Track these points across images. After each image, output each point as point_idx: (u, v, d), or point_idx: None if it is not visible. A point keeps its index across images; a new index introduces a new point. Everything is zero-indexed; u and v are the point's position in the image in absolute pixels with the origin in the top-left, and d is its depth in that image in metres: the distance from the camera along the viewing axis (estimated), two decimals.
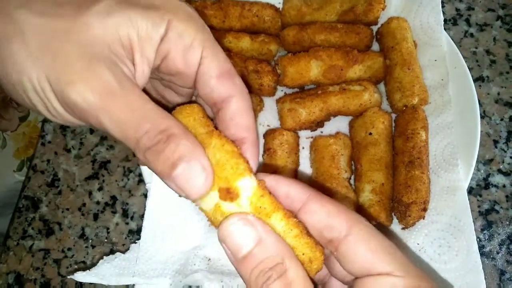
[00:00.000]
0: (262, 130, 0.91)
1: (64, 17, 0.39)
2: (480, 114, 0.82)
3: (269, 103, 0.92)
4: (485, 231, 0.85)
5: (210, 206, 0.40)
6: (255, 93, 0.90)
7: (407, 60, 0.85)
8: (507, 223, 0.85)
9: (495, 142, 0.90)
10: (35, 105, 0.40)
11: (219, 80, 0.45)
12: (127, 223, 0.93)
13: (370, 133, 0.82)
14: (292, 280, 0.38)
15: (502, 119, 0.92)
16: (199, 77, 0.46)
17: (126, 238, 0.91)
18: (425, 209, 0.76)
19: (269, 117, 0.92)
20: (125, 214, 0.93)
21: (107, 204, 0.94)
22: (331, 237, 0.41)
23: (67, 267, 0.91)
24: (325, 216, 0.41)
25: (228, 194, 0.39)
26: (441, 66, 0.87)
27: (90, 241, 0.92)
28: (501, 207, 0.86)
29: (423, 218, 0.77)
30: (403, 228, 0.78)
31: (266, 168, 0.83)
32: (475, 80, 0.85)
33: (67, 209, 0.95)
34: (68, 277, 0.74)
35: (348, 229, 0.40)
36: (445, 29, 0.88)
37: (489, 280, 0.81)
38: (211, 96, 0.46)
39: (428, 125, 0.83)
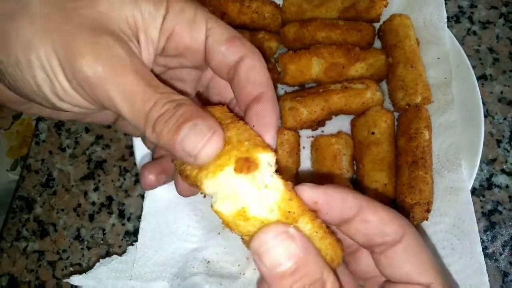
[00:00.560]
0: None
1: None
2: (483, 113, 0.81)
3: None
4: (488, 232, 0.84)
5: (229, 208, 0.36)
6: None
7: (410, 58, 0.84)
8: (510, 224, 0.84)
9: (498, 141, 0.89)
10: (40, 86, 0.39)
11: (228, 44, 0.45)
12: (123, 224, 0.91)
13: (373, 133, 0.81)
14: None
15: (505, 118, 0.90)
16: (208, 47, 0.46)
17: (122, 239, 0.89)
18: (428, 210, 0.75)
19: None
20: (121, 215, 0.91)
21: (103, 204, 0.92)
22: (381, 242, 0.40)
23: (62, 269, 0.89)
24: (378, 223, 0.40)
25: (245, 163, 0.36)
26: (444, 65, 0.86)
27: (86, 242, 0.90)
28: (504, 208, 0.85)
29: (427, 219, 0.76)
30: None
31: None
32: (478, 79, 0.83)
33: (62, 210, 0.93)
34: (64, 280, 0.71)
35: (399, 236, 0.40)
36: (447, 26, 0.86)
37: (492, 281, 0.80)
38: (224, 63, 0.46)
39: (431, 125, 0.81)
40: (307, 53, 0.85)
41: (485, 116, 0.89)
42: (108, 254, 0.88)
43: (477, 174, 0.79)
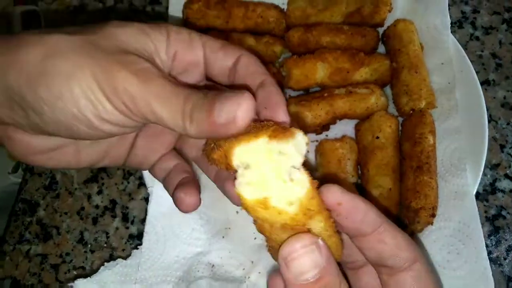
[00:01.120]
0: None
1: (89, 33, 0.44)
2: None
3: None
4: (492, 237, 0.84)
5: (252, 194, 0.37)
6: None
7: (414, 63, 0.84)
8: None
9: (502, 146, 0.89)
10: (83, 112, 0.42)
11: (223, 50, 0.51)
12: (127, 228, 0.90)
13: (377, 137, 0.81)
14: None
15: (508, 123, 0.91)
16: (207, 58, 0.51)
17: (126, 243, 0.89)
18: (433, 215, 0.75)
19: None
20: (125, 218, 0.91)
21: (106, 208, 0.92)
22: (392, 265, 0.42)
23: (65, 273, 0.88)
24: (394, 247, 0.42)
25: (282, 130, 0.37)
26: (448, 70, 0.86)
27: (89, 246, 0.90)
28: (508, 213, 0.85)
29: (432, 224, 0.76)
30: (411, 234, 0.77)
31: None
32: (481, 84, 0.83)
33: (65, 213, 0.92)
34: (68, 284, 0.71)
35: (411, 262, 0.42)
36: (450, 32, 0.87)
37: (496, 286, 0.79)
38: (224, 67, 0.51)
39: (435, 130, 0.81)
40: (312, 58, 0.85)
41: (489, 121, 0.89)
42: (111, 257, 0.88)
43: (481, 179, 0.79)
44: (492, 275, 0.70)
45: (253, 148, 0.37)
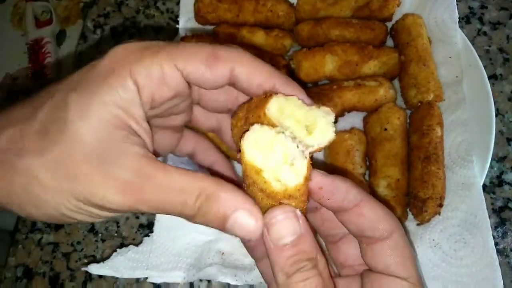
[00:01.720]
0: None
1: (53, 145, 0.39)
2: None
3: None
4: (498, 229, 0.85)
5: (255, 158, 0.39)
6: None
7: (422, 57, 0.85)
8: None
9: (509, 140, 0.90)
10: (80, 221, 0.43)
11: (208, 65, 0.42)
12: (137, 217, 0.92)
13: (386, 129, 0.82)
14: (321, 271, 0.42)
15: None
16: (195, 81, 0.43)
17: (136, 232, 0.90)
18: (441, 205, 0.76)
19: None
20: None
21: None
22: (371, 235, 0.44)
23: (76, 261, 0.90)
24: (372, 219, 0.44)
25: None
26: (456, 63, 0.87)
27: (100, 235, 0.91)
28: None
29: (439, 214, 0.77)
30: (418, 224, 0.78)
31: None
32: (488, 78, 0.84)
33: None
34: (82, 268, 0.73)
35: (389, 233, 0.44)
36: (458, 27, 0.88)
37: (503, 277, 0.80)
38: (213, 83, 0.43)
39: (443, 122, 0.82)
40: (321, 51, 0.87)
41: (496, 115, 0.89)
42: (122, 246, 0.88)
43: (487, 171, 0.80)
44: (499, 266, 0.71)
45: (289, 104, 0.39)
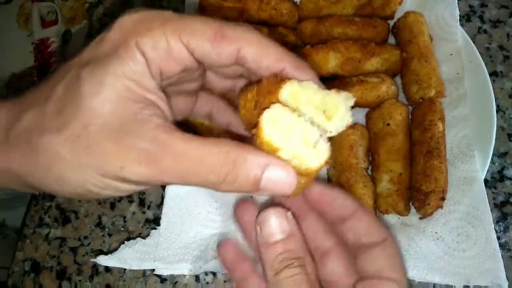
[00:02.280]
0: None
1: (68, 125, 0.39)
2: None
3: None
4: (500, 223, 0.86)
5: (272, 136, 0.38)
6: None
7: (424, 53, 0.87)
8: None
9: (510, 135, 0.91)
10: (106, 195, 0.43)
11: (213, 43, 0.41)
12: (144, 212, 0.93)
13: (388, 124, 0.83)
14: (309, 273, 0.46)
15: None
16: (200, 59, 0.42)
17: (143, 226, 0.92)
18: (443, 198, 0.77)
19: None
20: (142, 203, 0.94)
21: None
22: (368, 241, 0.47)
23: (83, 255, 0.91)
24: (368, 225, 0.48)
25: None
26: (457, 60, 0.89)
27: (107, 229, 0.92)
28: None
29: (441, 208, 0.78)
30: (421, 218, 0.79)
31: None
32: (489, 75, 0.86)
33: None
34: (91, 259, 0.74)
35: (382, 240, 0.47)
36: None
37: (505, 271, 0.81)
38: (222, 61, 0.42)
39: (445, 117, 0.84)
40: (324, 47, 0.88)
41: (497, 111, 0.91)
42: (128, 241, 0.90)
43: (489, 166, 0.81)
44: None
45: (305, 88, 0.40)
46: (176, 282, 0.84)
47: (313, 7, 0.95)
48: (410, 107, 0.88)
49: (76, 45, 1.31)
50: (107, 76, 0.39)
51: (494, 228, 0.83)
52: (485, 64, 0.87)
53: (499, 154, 0.90)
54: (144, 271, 0.85)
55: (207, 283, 0.83)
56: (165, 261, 0.75)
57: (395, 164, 0.81)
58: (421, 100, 0.85)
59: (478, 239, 0.74)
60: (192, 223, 0.80)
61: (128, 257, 0.74)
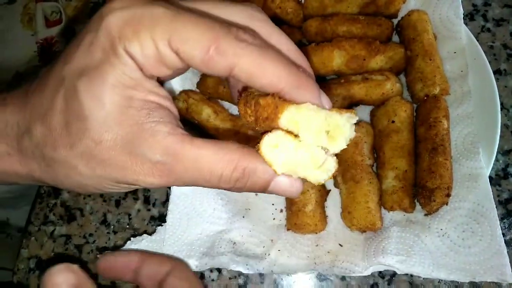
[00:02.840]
0: None
1: (80, 138, 0.41)
2: None
3: None
4: (505, 220, 0.86)
5: (276, 157, 0.40)
6: None
7: (428, 51, 0.87)
8: None
9: None
10: (123, 191, 0.46)
11: (204, 59, 0.39)
12: (148, 210, 0.93)
13: (393, 121, 0.84)
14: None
15: None
16: (190, 66, 0.41)
17: (147, 224, 0.92)
18: (448, 195, 0.77)
19: None
20: (146, 201, 0.94)
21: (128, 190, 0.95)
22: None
23: (88, 253, 0.91)
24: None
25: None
26: (461, 58, 0.89)
27: (112, 227, 0.92)
28: None
29: (447, 204, 0.78)
30: (426, 214, 0.79)
31: None
32: (493, 73, 0.86)
33: (89, 196, 0.95)
34: (98, 255, 0.74)
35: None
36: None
37: (511, 267, 0.81)
38: (208, 72, 0.41)
39: (449, 115, 0.84)
40: (329, 46, 0.89)
41: (500, 109, 0.91)
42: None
43: (493, 164, 0.81)
44: None
45: (305, 112, 0.39)
46: None
47: (317, 5, 0.95)
48: (415, 105, 0.89)
49: None
50: (105, 88, 0.39)
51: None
52: (489, 63, 0.88)
53: (503, 152, 0.91)
54: None
55: (212, 280, 0.84)
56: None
57: (400, 161, 0.82)
58: (425, 98, 0.86)
59: (484, 236, 0.74)
60: (198, 220, 0.80)
61: None
